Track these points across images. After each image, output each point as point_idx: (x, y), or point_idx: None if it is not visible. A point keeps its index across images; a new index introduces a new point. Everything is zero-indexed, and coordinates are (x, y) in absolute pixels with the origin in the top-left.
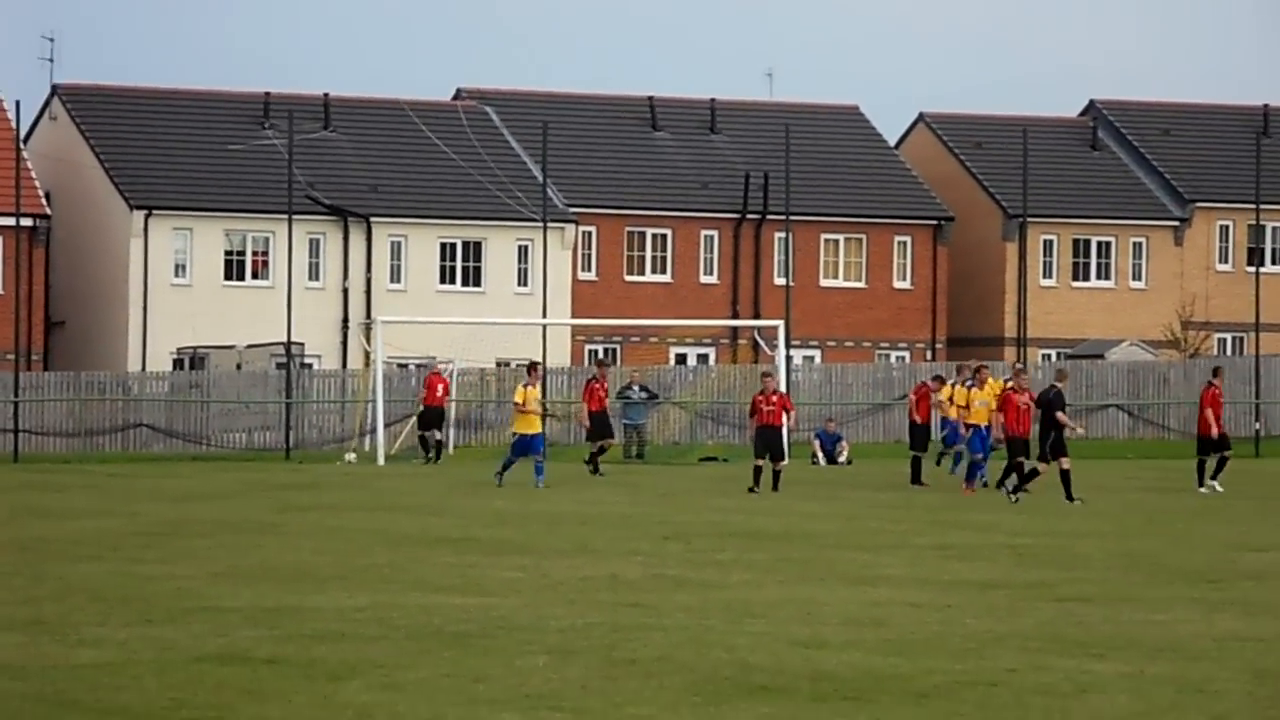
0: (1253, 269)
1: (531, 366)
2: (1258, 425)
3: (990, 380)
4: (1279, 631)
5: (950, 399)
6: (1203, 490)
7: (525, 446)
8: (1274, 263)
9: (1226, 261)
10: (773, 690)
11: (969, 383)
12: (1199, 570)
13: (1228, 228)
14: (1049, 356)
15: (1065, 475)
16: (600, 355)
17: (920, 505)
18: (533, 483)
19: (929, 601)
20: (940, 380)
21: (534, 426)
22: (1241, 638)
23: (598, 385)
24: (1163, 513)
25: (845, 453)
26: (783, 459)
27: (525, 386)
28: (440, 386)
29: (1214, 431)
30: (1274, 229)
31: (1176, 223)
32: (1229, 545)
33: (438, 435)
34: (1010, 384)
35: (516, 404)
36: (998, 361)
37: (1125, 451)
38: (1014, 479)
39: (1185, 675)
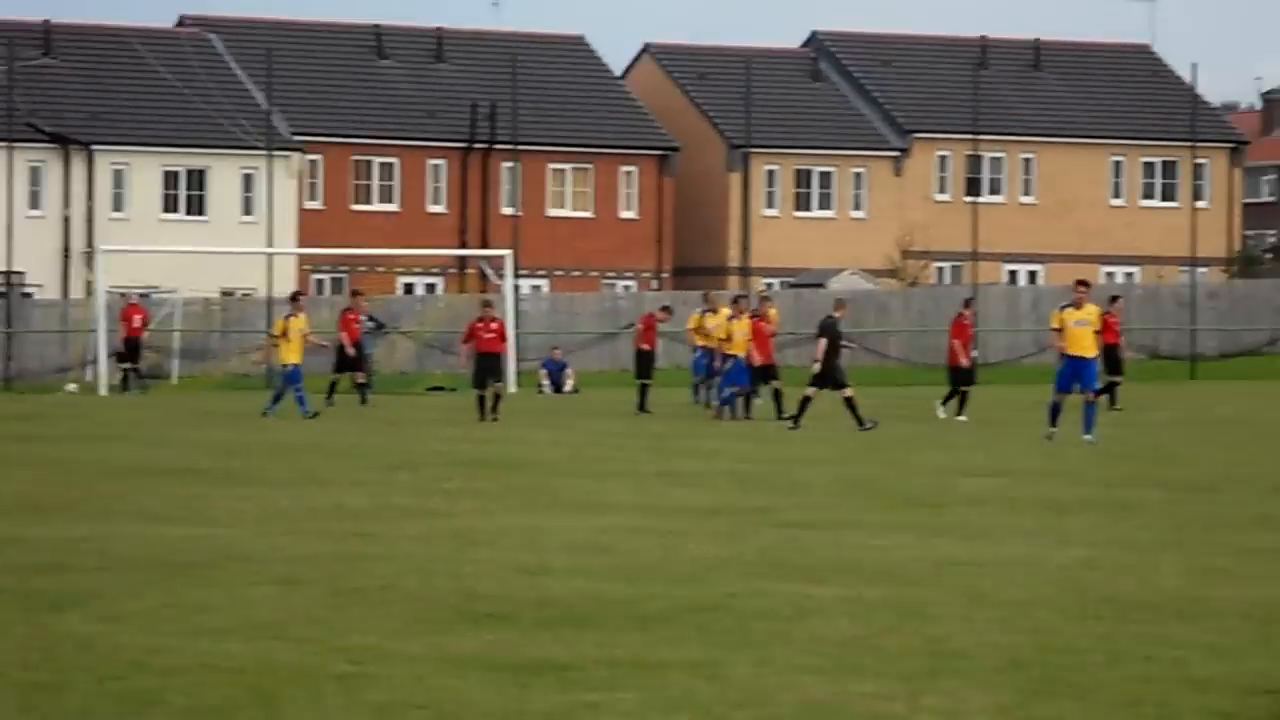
0: (970, 199)
1: (294, 296)
2: (975, 352)
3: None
4: (994, 555)
5: (698, 327)
6: (941, 415)
7: (293, 376)
8: (991, 193)
9: (945, 192)
10: (498, 617)
11: (731, 315)
12: (917, 495)
13: (946, 158)
14: (772, 285)
15: (849, 402)
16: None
17: (646, 433)
18: (299, 413)
19: (653, 528)
20: (668, 310)
21: (297, 356)
22: (958, 561)
23: (353, 316)
24: (883, 439)
25: (572, 381)
26: (502, 382)
27: (287, 317)
28: (138, 318)
29: (963, 361)
30: (991, 159)
31: (896, 153)
32: (947, 471)
33: (134, 366)
34: (756, 313)
35: (274, 335)
36: (723, 290)
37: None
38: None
39: (903, 599)
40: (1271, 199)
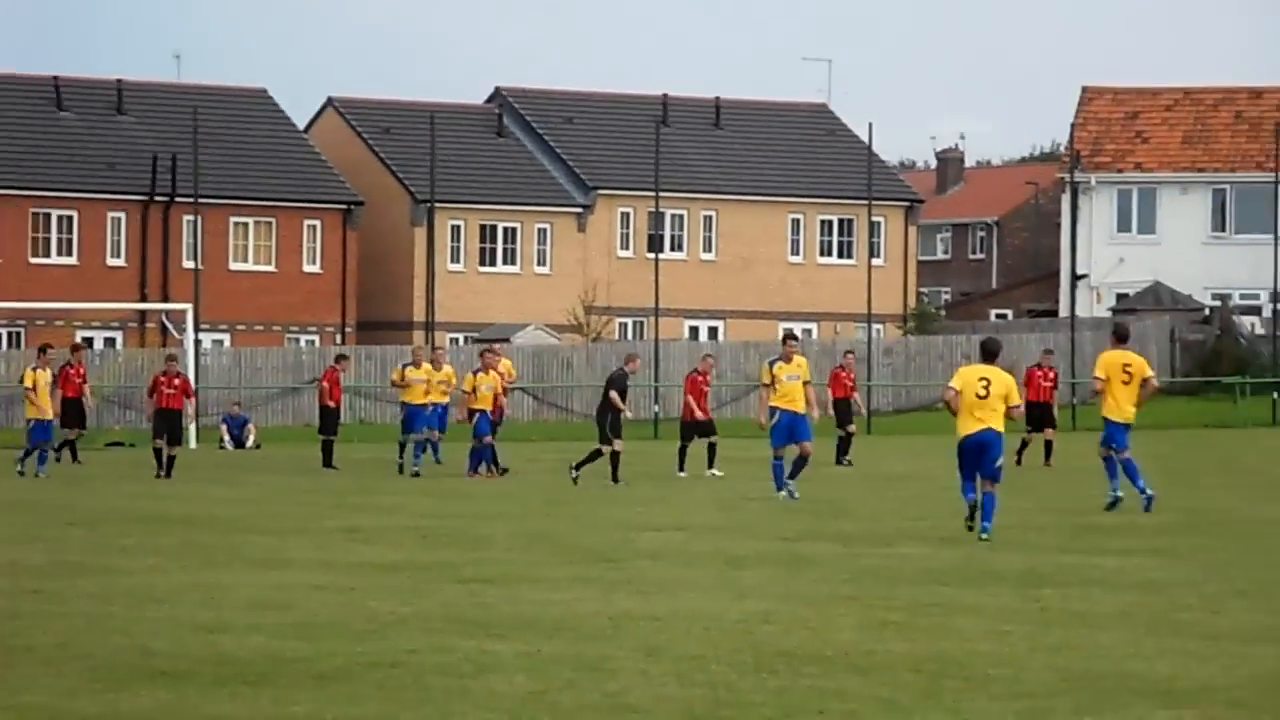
0: (652, 255)
1: (41, 350)
2: (656, 409)
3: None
4: (671, 609)
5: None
6: (682, 475)
7: (42, 432)
8: (673, 249)
9: (628, 248)
10: (173, 675)
11: (476, 368)
12: (598, 550)
13: (629, 214)
14: (457, 340)
15: (615, 457)
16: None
17: (328, 489)
18: (35, 471)
19: (333, 584)
20: (345, 359)
21: (47, 412)
22: (636, 616)
23: (73, 371)
24: (565, 494)
25: (254, 436)
26: (179, 443)
27: (34, 369)
28: None
29: (698, 415)
30: (673, 216)
31: (580, 209)
32: (627, 525)
33: None
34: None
35: (29, 388)
36: (406, 345)
37: (529, 434)
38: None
39: (582, 654)
40: (946, 256)
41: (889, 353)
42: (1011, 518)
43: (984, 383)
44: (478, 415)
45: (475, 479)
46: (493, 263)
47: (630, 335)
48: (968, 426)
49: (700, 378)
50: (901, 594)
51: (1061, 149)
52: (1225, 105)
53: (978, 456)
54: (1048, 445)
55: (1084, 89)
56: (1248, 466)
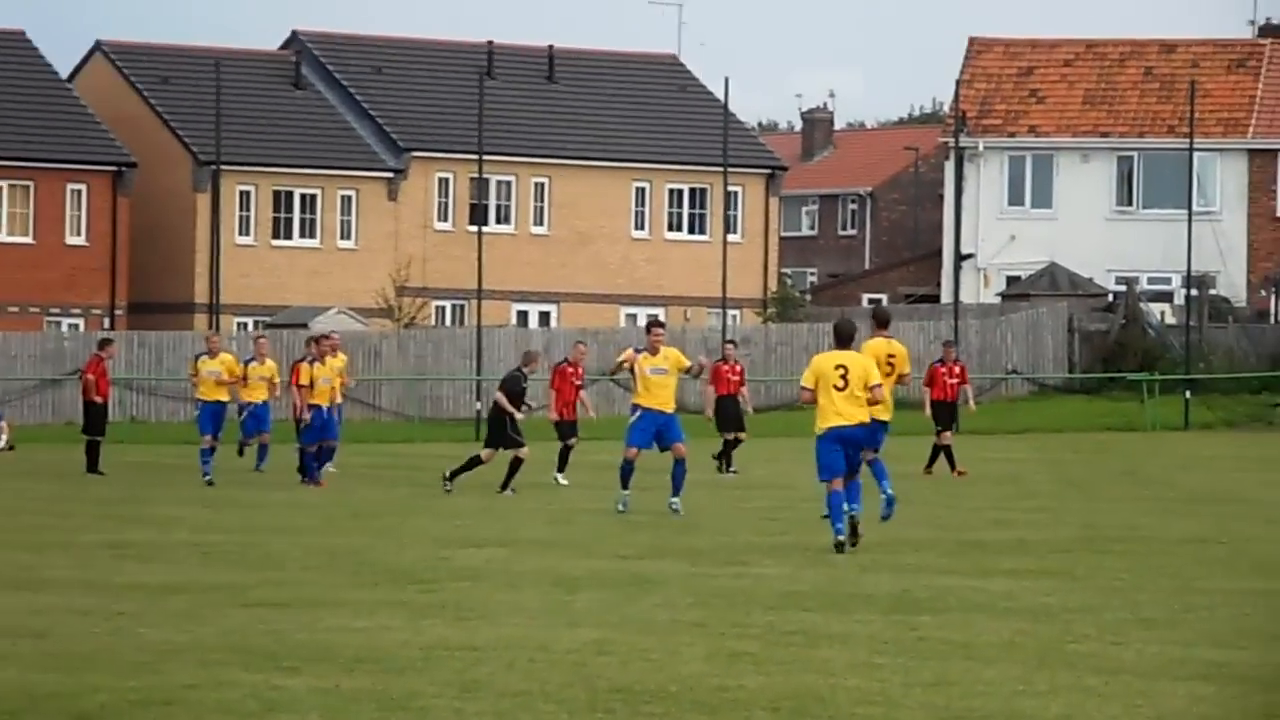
0: (475, 228)
1: None
2: (479, 406)
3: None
4: (492, 638)
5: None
6: (563, 481)
7: None
8: (499, 221)
9: (446, 219)
10: None
11: (311, 358)
12: (408, 570)
13: (448, 181)
14: (246, 325)
15: (516, 463)
16: None
17: (93, 497)
18: None
19: (98, 608)
20: (110, 344)
21: None
22: (451, 646)
23: None
24: (373, 505)
25: (6, 436)
26: None
27: None
28: None
29: (552, 416)
30: (499, 183)
31: (390, 174)
32: (444, 541)
33: None
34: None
35: None
36: (187, 332)
37: None
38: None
39: (387, 689)
40: (812, 232)
41: (746, 342)
42: (884, 533)
43: (841, 371)
44: (312, 412)
45: (315, 486)
46: (288, 235)
47: (449, 320)
48: (828, 421)
49: (570, 369)
50: (757, 620)
51: (945, 109)
52: (1133, 60)
53: (842, 455)
54: (947, 450)
55: (971, 40)
56: (1155, 476)
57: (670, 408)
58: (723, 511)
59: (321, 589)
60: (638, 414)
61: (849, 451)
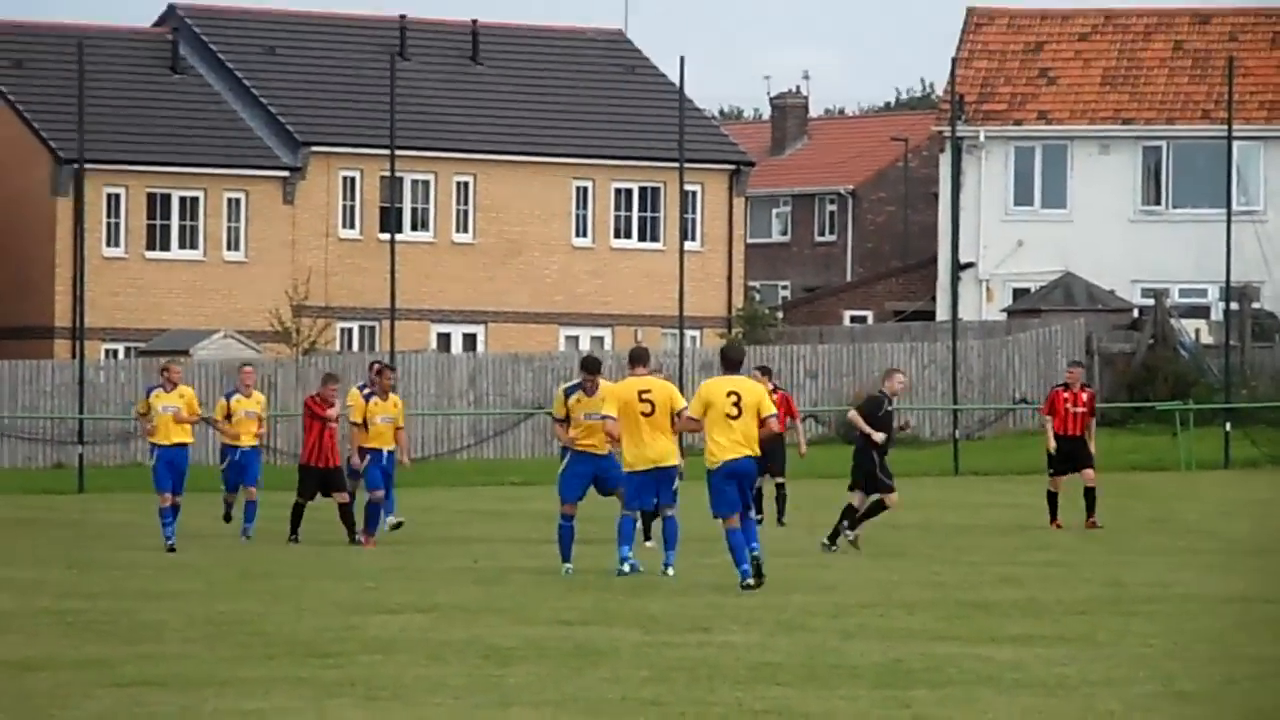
0: (387, 236)
1: None
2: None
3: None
4: None
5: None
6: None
7: None
8: (415, 228)
9: (353, 226)
10: None
11: (368, 391)
12: (309, 641)
13: (354, 180)
14: (116, 354)
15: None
16: None
17: None
18: None
19: None
20: None
21: None
22: None
23: None
24: (267, 566)
25: None
26: None
27: None
28: None
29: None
30: (415, 183)
31: (286, 173)
32: (350, 606)
33: None
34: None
35: None
36: (46, 360)
37: (216, 481)
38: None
39: None
40: (784, 238)
41: (708, 368)
42: (871, 593)
43: (733, 398)
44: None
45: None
46: (165, 246)
47: (357, 345)
48: (724, 454)
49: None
50: (723, 697)
51: (938, 93)
52: (1160, 33)
53: (736, 490)
54: (1088, 494)
55: (969, 10)
56: (1190, 523)
57: (605, 449)
58: (681, 567)
59: (206, 664)
60: (566, 459)
61: (744, 485)
